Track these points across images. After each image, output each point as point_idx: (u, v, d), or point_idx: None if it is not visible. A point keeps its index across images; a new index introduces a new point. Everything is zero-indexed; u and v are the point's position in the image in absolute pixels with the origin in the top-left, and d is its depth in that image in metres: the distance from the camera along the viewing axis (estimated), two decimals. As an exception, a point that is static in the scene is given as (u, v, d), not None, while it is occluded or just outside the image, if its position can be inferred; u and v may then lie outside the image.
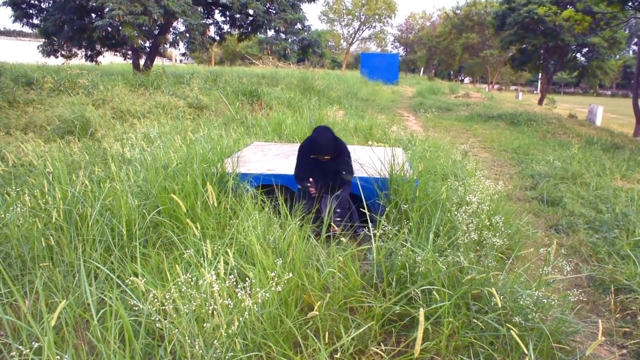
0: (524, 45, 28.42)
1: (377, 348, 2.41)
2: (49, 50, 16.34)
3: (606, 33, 23.30)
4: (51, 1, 15.68)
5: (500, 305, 2.34)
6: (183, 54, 19.43)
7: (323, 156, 4.18)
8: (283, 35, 17.67)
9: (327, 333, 2.28)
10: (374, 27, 58.57)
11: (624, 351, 2.97)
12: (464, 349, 2.51)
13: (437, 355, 2.49)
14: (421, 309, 1.86)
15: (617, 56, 31.35)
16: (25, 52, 24.58)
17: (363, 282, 2.90)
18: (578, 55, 29.34)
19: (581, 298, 2.92)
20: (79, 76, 10.53)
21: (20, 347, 1.73)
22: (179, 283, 2.11)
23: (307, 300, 2.68)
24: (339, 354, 2.24)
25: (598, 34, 23.57)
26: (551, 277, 2.93)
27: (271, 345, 2.23)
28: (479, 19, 48.28)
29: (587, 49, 27.74)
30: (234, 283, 2.24)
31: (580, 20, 14.96)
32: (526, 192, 6.65)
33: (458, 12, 51.97)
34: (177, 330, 1.99)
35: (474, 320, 2.58)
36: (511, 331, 2.17)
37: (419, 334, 1.76)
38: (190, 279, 2.14)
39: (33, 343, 1.73)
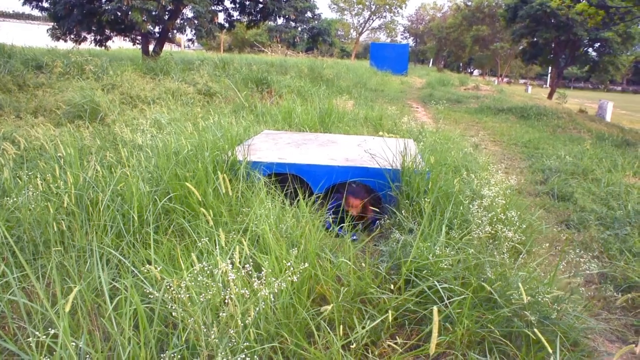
0: (535, 39, 28.11)
1: (390, 341, 2.39)
2: (58, 34, 16.27)
3: (620, 28, 22.97)
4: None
5: (525, 301, 2.31)
6: (190, 40, 19.32)
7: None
8: (293, 24, 17.58)
9: (340, 325, 2.26)
10: (384, 17, 58.17)
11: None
12: (477, 344, 2.49)
13: (450, 349, 2.48)
14: (435, 308, 1.83)
15: (629, 52, 30.96)
16: (35, 35, 24.52)
17: (376, 272, 2.88)
18: (590, 50, 29.02)
19: (592, 294, 2.89)
20: (88, 62, 10.48)
21: (37, 332, 1.71)
22: (194, 272, 2.09)
23: (319, 291, 2.66)
24: (353, 345, 2.22)
25: (611, 29, 23.26)
26: (566, 275, 2.90)
27: (285, 335, 2.21)
28: (490, 11, 47.85)
29: (599, 43, 27.42)
30: (249, 273, 2.22)
31: (594, 14, 14.69)
32: (536, 186, 6.59)
33: (469, 3, 51.47)
34: (191, 319, 1.98)
35: (488, 316, 2.55)
36: (535, 331, 2.15)
37: (434, 332, 1.73)
38: (205, 268, 2.12)
39: (50, 329, 1.71)
